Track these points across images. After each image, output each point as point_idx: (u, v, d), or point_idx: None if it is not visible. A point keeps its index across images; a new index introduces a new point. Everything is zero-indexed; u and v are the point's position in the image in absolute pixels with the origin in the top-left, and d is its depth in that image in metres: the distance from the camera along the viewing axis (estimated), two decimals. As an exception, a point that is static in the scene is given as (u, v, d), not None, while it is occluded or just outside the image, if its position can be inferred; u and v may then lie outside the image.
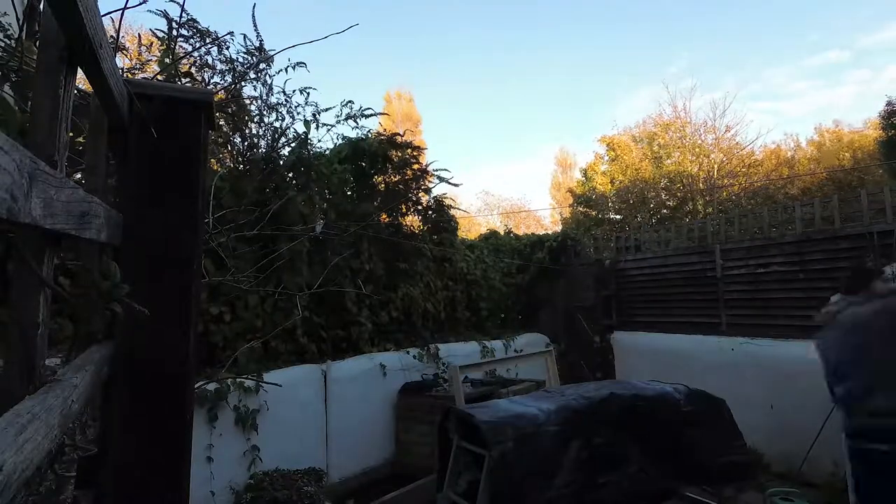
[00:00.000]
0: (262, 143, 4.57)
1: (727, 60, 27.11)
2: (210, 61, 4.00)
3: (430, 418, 4.39)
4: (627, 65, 33.07)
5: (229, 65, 4.07)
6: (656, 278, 6.48)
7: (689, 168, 14.12)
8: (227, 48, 4.00)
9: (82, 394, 0.84)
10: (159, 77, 2.81)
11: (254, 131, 4.53)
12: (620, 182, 14.08)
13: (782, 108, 28.04)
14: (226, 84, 4.08)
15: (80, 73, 0.89)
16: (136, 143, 1.20)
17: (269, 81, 4.37)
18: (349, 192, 5.44)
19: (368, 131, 5.53)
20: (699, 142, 14.66)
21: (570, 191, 16.56)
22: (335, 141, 5.49)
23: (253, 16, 3.97)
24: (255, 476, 3.65)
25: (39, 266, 0.77)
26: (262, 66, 4.21)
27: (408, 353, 5.30)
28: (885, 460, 2.43)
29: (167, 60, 3.10)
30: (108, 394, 1.16)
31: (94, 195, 0.91)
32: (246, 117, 4.40)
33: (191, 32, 3.71)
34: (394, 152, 5.65)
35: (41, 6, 1.33)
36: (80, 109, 1.61)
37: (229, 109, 4.21)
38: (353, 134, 5.50)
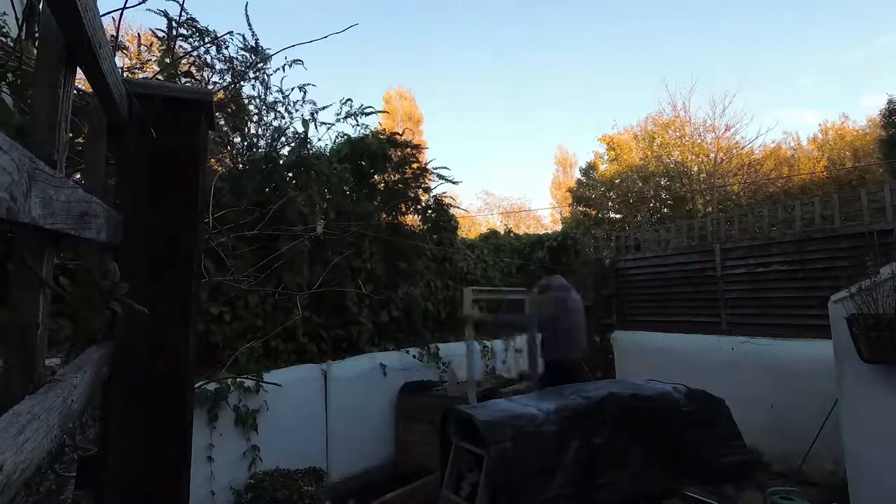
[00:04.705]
0: (262, 142, 4.57)
1: (727, 60, 27.10)
2: (209, 61, 4.00)
3: (431, 418, 4.39)
4: (628, 64, 33.06)
5: (228, 64, 4.07)
6: (656, 277, 6.48)
7: (690, 166, 14.13)
8: (227, 48, 4.00)
9: (82, 394, 0.84)
10: (159, 76, 2.81)
11: (253, 131, 4.53)
12: (621, 181, 14.09)
13: (782, 108, 28.05)
14: (225, 83, 4.08)
15: (79, 74, 0.89)
16: (135, 143, 1.20)
17: (267, 81, 4.38)
18: (349, 192, 5.44)
19: (368, 130, 5.53)
20: (699, 140, 14.67)
21: (571, 190, 16.56)
22: (335, 140, 5.50)
23: (246, 15, 3.97)
24: (255, 476, 3.65)
25: (39, 266, 0.77)
26: (260, 65, 4.21)
27: (408, 352, 5.30)
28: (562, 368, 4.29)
29: (167, 60, 3.10)
30: (108, 394, 1.16)
31: (94, 195, 0.91)
32: (245, 117, 4.40)
33: (190, 32, 3.70)
34: (393, 151, 5.65)
35: (41, 6, 1.33)
36: (80, 110, 1.61)
37: (229, 109, 4.21)
38: (352, 132, 5.50)
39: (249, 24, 3.99)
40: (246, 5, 3.90)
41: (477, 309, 4.90)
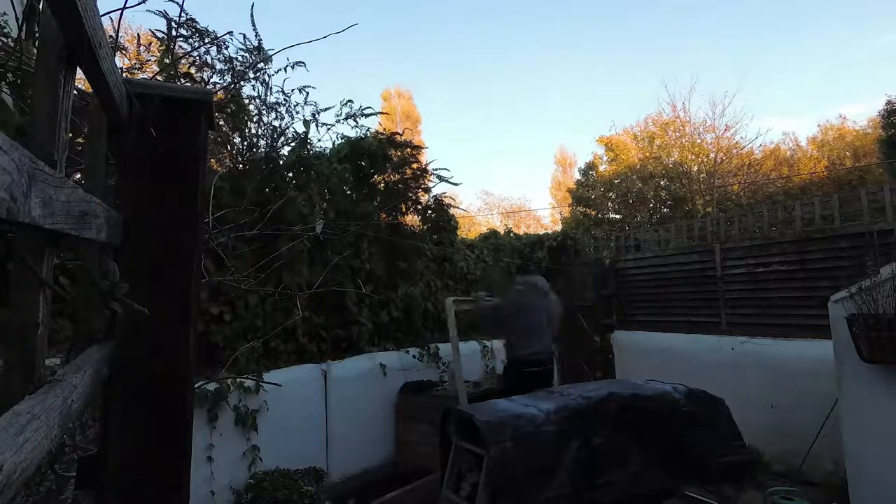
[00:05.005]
0: (262, 142, 4.57)
1: (727, 60, 27.10)
2: (209, 61, 3.99)
3: (431, 418, 4.40)
4: (627, 64, 33.06)
5: (228, 64, 4.07)
6: (656, 277, 6.48)
7: (690, 166, 14.13)
8: (227, 48, 4.00)
9: (82, 394, 0.84)
10: (159, 77, 2.81)
11: (253, 131, 4.52)
12: (620, 181, 14.09)
13: (781, 108, 28.05)
14: (225, 84, 4.08)
15: (79, 74, 0.89)
16: (135, 143, 1.20)
17: (267, 81, 4.37)
18: (349, 192, 5.43)
19: (367, 130, 5.52)
20: (698, 141, 14.67)
21: (570, 190, 16.57)
22: (335, 140, 5.49)
23: (251, 15, 3.96)
24: (255, 476, 3.65)
25: (39, 266, 0.77)
26: (260, 65, 4.20)
27: (408, 352, 5.30)
28: (532, 374, 4.20)
29: (166, 60, 3.10)
30: (108, 394, 1.16)
31: (94, 195, 0.91)
32: (245, 117, 4.39)
33: (190, 32, 3.70)
34: (393, 151, 5.64)
35: (41, 6, 1.33)
36: (80, 110, 1.61)
37: (229, 109, 4.21)
38: (352, 133, 5.49)
39: (254, 25, 3.98)
40: (252, 5, 3.89)
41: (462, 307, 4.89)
